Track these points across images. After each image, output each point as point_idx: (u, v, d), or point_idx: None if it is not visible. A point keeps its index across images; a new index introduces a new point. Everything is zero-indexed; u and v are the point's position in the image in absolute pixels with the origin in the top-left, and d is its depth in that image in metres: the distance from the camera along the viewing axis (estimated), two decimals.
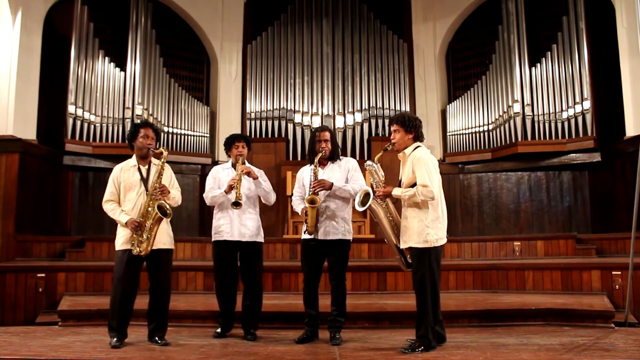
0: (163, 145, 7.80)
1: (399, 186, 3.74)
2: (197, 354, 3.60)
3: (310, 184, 3.95)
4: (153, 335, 3.90)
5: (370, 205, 3.62)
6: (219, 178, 4.29)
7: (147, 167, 4.00)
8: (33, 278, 5.44)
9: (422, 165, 3.55)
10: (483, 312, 4.70)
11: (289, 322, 4.56)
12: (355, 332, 4.31)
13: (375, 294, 5.66)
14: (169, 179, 4.05)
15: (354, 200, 3.80)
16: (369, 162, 3.82)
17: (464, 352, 3.59)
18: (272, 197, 4.32)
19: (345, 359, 3.47)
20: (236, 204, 3.95)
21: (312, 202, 3.89)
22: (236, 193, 3.96)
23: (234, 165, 4.28)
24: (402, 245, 3.70)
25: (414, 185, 3.60)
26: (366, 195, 3.65)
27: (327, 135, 4.06)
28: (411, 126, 3.67)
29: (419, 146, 3.71)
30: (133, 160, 4.02)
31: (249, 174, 4.13)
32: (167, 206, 3.81)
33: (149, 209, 3.82)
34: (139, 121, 4.32)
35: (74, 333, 4.37)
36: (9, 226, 6.22)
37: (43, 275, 5.47)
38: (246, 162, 4.28)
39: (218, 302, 4.23)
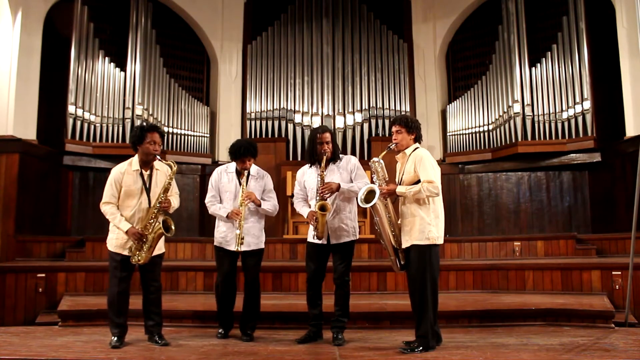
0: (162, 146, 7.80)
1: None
2: (197, 354, 3.60)
3: (318, 189, 3.91)
4: (152, 333, 3.91)
5: (374, 203, 3.63)
6: (221, 185, 4.22)
7: (149, 172, 3.93)
8: (33, 278, 5.43)
9: (425, 163, 3.66)
10: (483, 312, 4.70)
11: (289, 322, 4.55)
12: (355, 332, 4.31)
13: (375, 294, 5.65)
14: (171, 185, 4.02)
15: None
16: (375, 159, 3.83)
17: (464, 352, 3.59)
18: (274, 214, 4.30)
19: (345, 359, 3.47)
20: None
21: (322, 208, 3.85)
22: (238, 237, 3.94)
23: (237, 172, 4.19)
24: (404, 245, 3.70)
25: (414, 183, 3.67)
26: (370, 193, 3.64)
27: (329, 137, 4.02)
28: (413, 127, 3.80)
29: (417, 147, 3.81)
30: (136, 164, 3.92)
31: (252, 202, 4.09)
32: (172, 225, 3.80)
33: (151, 221, 3.80)
34: (144, 124, 4.25)
35: (74, 333, 4.36)
36: (9, 226, 6.22)
37: (43, 275, 5.46)
38: (252, 166, 4.20)
39: (217, 302, 4.23)
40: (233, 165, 4.26)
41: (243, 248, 4.06)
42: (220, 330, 4.20)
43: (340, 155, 4.16)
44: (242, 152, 4.10)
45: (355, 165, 4.11)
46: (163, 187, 3.85)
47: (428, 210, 3.65)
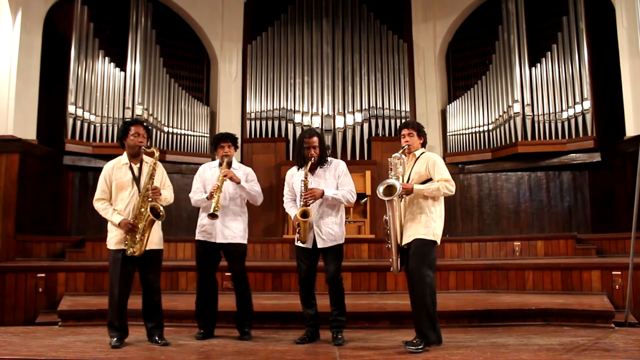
0: (161, 145, 7.81)
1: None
2: (197, 354, 3.60)
3: (301, 194, 3.93)
4: (152, 335, 3.90)
5: (393, 198, 3.69)
6: (204, 178, 4.25)
7: (138, 165, 3.97)
8: (33, 278, 5.43)
9: (440, 164, 3.85)
10: (483, 312, 4.70)
11: (288, 322, 4.56)
12: (355, 332, 4.31)
13: (375, 294, 5.65)
14: (161, 177, 4.03)
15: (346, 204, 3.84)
16: (396, 154, 3.87)
17: (464, 352, 3.59)
18: (259, 200, 4.29)
19: (345, 358, 3.47)
20: (212, 216, 3.92)
21: (304, 215, 3.85)
22: (214, 203, 3.91)
23: (221, 165, 4.21)
24: (405, 240, 3.74)
25: (424, 183, 3.79)
26: (390, 187, 3.69)
27: (316, 141, 4.02)
28: (422, 132, 4.05)
29: (424, 150, 4.01)
30: (124, 159, 3.98)
31: (231, 178, 4.07)
32: (161, 208, 3.81)
33: (142, 210, 3.81)
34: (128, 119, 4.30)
35: (74, 333, 4.37)
36: (9, 226, 6.22)
37: (43, 275, 5.46)
38: (234, 160, 4.24)
39: (196, 301, 4.17)
40: (217, 162, 4.30)
41: (219, 240, 4.07)
42: (200, 331, 4.14)
43: (329, 159, 4.15)
44: (221, 137, 4.26)
45: (343, 171, 4.10)
46: (148, 174, 3.87)
47: (434, 208, 3.79)
